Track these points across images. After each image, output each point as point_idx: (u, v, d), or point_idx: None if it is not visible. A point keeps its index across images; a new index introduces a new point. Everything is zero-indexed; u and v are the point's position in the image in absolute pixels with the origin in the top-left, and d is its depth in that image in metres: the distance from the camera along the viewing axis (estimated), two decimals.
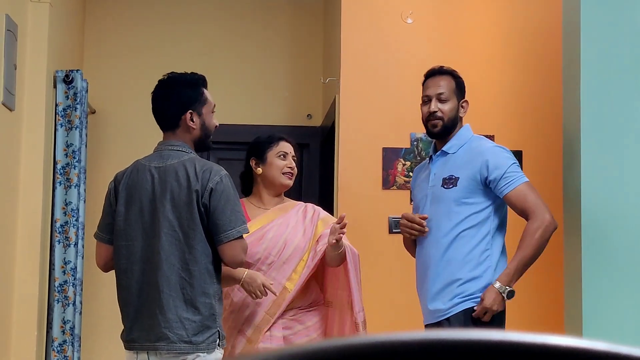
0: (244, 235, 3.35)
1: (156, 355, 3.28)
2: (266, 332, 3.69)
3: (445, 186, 3.62)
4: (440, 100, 3.67)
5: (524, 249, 3.48)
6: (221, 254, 3.32)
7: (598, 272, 3.75)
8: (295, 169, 3.87)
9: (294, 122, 6.24)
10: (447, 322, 3.52)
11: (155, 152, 3.45)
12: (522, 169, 4.91)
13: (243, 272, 3.57)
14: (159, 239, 3.28)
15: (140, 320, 3.31)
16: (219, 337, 3.31)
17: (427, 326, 3.67)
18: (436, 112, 3.66)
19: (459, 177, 3.60)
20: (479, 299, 3.50)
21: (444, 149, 3.68)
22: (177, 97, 3.43)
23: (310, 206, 3.91)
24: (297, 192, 5.87)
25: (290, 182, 3.86)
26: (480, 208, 3.59)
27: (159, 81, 3.50)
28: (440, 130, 3.68)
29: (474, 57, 5.07)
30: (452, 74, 3.75)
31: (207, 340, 3.27)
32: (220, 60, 6.24)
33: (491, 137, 4.98)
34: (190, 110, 3.42)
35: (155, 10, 6.33)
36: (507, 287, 3.47)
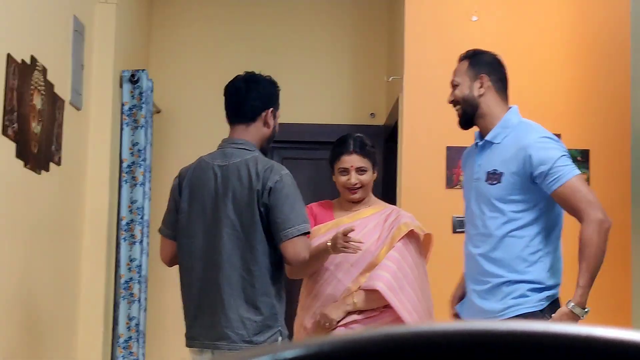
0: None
1: (218, 354, 3.29)
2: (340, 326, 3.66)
3: (489, 182, 3.35)
4: (453, 86, 3.46)
5: (587, 260, 3.17)
6: (283, 253, 3.31)
7: None
8: (360, 182, 3.71)
9: (357, 121, 6.23)
10: None
11: (218, 149, 3.46)
12: (588, 169, 4.87)
13: (326, 242, 3.51)
14: (221, 238, 3.29)
15: (201, 318, 3.32)
16: (281, 336, 3.31)
17: None
18: (453, 100, 3.45)
19: (503, 173, 3.32)
20: (536, 306, 3.28)
21: (487, 138, 3.39)
22: (262, 91, 3.46)
23: (396, 211, 3.80)
24: None
25: (355, 196, 3.74)
26: (530, 206, 3.31)
27: (239, 76, 3.51)
28: (462, 116, 3.45)
29: (540, 55, 5.00)
30: (467, 56, 3.50)
31: (269, 340, 3.27)
32: (284, 60, 6.26)
33: (558, 136, 4.91)
34: (272, 108, 3.45)
35: (221, 11, 6.37)
36: (583, 309, 3.20)
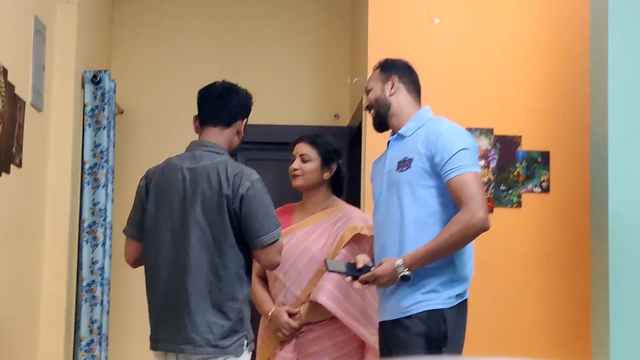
0: None
1: (183, 357, 3.27)
2: (277, 350, 3.69)
3: (399, 169, 3.34)
4: (367, 92, 3.55)
5: (440, 238, 3.17)
6: (257, 259, 3.34)
7: (625, 273, 3.72)
8: (302, 169, 3.76)
9: (321, 122, 6.24)
10: (408, 320, 3.25)
11: (187, 151, 3.45)
12: (549, 170, 4.91)
13: (271, 309, 3.68)
14: (189, 241, 3.27)
15: (166, 322, 3.31)
16: (247, 339, 3.31)
17: (382, 323, 3.39)
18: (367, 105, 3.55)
19: (412, 159, 3.32)
20: (444, 303, 3.24)
21: (400, 132, 3.43)
22: (241, 100, 3.49)
23: (346, 214, 3.77)
24: None
25: (295, 183, 3.79)
26: (440, 192, 3.28)
27: (217, 82, 3.52)
28: (375, 118, 3.51)
29: (502, 58, 5.04)
30: (379, 65, 3.57)
31: (235, 344, 3.27)
32: (247, 61, 6.25)
33: (518, 138, 4.96)
34: (245, 119, 3.49)
35: (183, 11, 6.35)
36: (404, 270, 3.18)
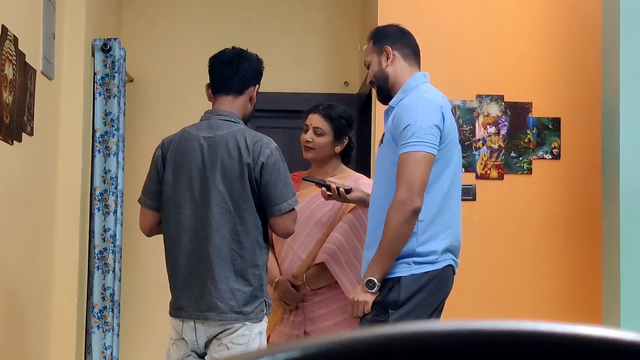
0: None
1: (204, 324, 3.30)
2: (278, 326, 3.72)
3: (380, 144, 3.34)
4: (367, 67, 3.48)
5: (383, 237, 3.13)
6: (273, 226, 3.36)
7: (636, 239, 3.73)
8: (314, 142, 3.73)
9: (331, 90, 6.23)
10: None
11: (203, 120, 3.45)
12: (560, 137, 4.90)
13: (276, 277, 3.68)
14: (210, 209, 3.29)
15: (189, 289, 3.33)
16: (266, 305, 3.35)
17: None
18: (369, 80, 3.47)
19: (384, 133, 3.30)
20: (400, 268, 3.18)
21: (390, 103, 3.35)
22: (252, 65, 3.48)
23: (354, 179, 3.76)
24: None
25: (307, 155, 3.76)
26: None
27: (228, 49, 3.51)
28: (378, 92, 3.45)
29: (513, 24, 5.02)
30: (371, 36, 3.49)
31: (256, 310, 3.31)
32: (258, 28, 6.24)
33: (529, 104, 4.95)
34: (257, 84, 3.49)
35: None
36: (371, 283, 3.15)
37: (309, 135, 3.75)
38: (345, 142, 3.80)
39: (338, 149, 3.78)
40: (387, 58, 3.39)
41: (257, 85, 3.51)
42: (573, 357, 0.60)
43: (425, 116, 3.17)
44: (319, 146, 3.75)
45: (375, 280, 3.15)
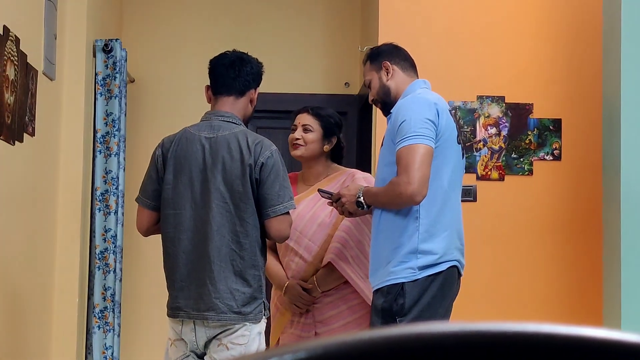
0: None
1: (203, 324, 3.30)
2: (288, 328, 3.73)
3: (381, 147, 3.42)
4: (368, 87, 3.55)
5: (381, 189, 3.27)
6: (267, 228, 3.34)
7: (637, 240, 3.73)
8: (303, 139, 3.74)
9: (331, 91, 6.23)
10: (374, 295, 3.29)
11: (204, 121, 3.46)
12: (560, 138, 4.91)
13: (285, 282, 3.69)
14: (210, 209, 3.30)
15: (188, 290, 3.33)
16: (264, 307, 3.35)
17: None
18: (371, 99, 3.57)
19: (384, 136, 3.39)
20: (405, 274, 3.22)
21: (392, 110, 3.43)
22: (253, 69, 3.50)
23: (350, 175, 3.77)
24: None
25: (297, 152, 3.76)
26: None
27: (229, 52, 3.52)
28: (382, 108, 3.53)
29: (514, 25, 5.02)
30: (367, 57, 3.58)
31: (255, 311, 3.31)
32: (259, 29, 6.24)
33: (530, 106, 4.96)
34: (257, 87, 3.51)
35: None
36: (361, 197, 3.29)
37: (297, 133, 3.77)
38: (334, 141, 3.81)
39: (327, 147, 3.79)
40: (387, 73, 3.49)
41: (257, 88, 3.53)
42: (575, 358, 0.60)
43: (419, 111, 3.25)
44: (308, 142, 3.76)
45: (363, 202, 3.30)
